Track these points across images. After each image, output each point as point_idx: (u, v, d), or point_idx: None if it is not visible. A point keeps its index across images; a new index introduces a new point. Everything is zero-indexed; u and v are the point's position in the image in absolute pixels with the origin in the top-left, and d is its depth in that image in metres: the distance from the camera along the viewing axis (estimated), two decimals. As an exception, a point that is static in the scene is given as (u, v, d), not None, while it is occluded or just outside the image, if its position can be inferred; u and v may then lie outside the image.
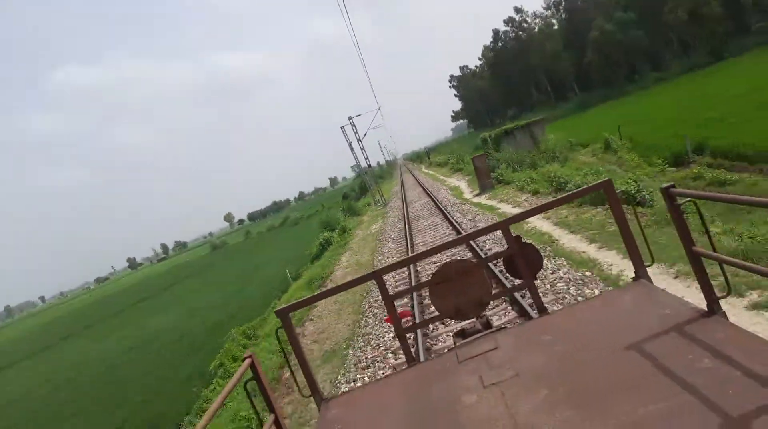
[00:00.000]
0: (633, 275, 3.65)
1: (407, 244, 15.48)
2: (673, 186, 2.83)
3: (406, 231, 18.10)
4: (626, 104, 44.38)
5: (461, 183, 28.38)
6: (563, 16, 77.27)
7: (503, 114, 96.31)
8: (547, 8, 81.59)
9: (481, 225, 12.80)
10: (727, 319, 2.72)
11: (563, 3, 77.07)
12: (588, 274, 7.52)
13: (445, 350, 5.70)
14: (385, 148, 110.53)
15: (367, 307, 10.65)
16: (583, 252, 8.63)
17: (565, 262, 8.36)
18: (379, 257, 16.06)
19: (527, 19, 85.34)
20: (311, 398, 3.78)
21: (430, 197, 25.41)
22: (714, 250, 2.74)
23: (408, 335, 6.23)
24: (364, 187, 52.10)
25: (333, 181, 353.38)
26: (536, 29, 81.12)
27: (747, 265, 2.66)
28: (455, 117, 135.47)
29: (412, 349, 6.28)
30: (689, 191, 2.88)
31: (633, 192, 10.77)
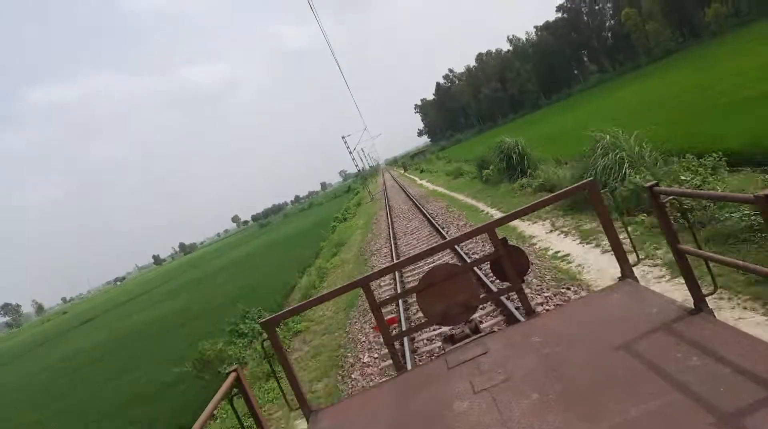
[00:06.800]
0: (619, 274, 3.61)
1: (383, 184, 69.67)
2: (657, 184, 2.79)
3: (383, 182, 72.80)
4: (496, 133, 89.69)
5: (402, 170, 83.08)
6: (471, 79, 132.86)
7: (447, 133, 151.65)
8: (465, 71, 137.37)
9: (394, 174, 67.95)
10: (714, 317, 2.74)
11: (471, 71, 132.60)
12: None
13: (434, 356, 5.92)
14: (368, 154, 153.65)
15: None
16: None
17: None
18: (380, 186, 70.50)
19: (455, 75, 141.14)
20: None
21: (392, 176, 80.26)
22: (699, 247, 2.74)
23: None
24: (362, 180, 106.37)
25: (324, 185, 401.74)
26: (458, 83, 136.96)
27: (732, 261, 2.62)
28: (420, 133, 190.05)
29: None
30: (673, 189, 2.91)
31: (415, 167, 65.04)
